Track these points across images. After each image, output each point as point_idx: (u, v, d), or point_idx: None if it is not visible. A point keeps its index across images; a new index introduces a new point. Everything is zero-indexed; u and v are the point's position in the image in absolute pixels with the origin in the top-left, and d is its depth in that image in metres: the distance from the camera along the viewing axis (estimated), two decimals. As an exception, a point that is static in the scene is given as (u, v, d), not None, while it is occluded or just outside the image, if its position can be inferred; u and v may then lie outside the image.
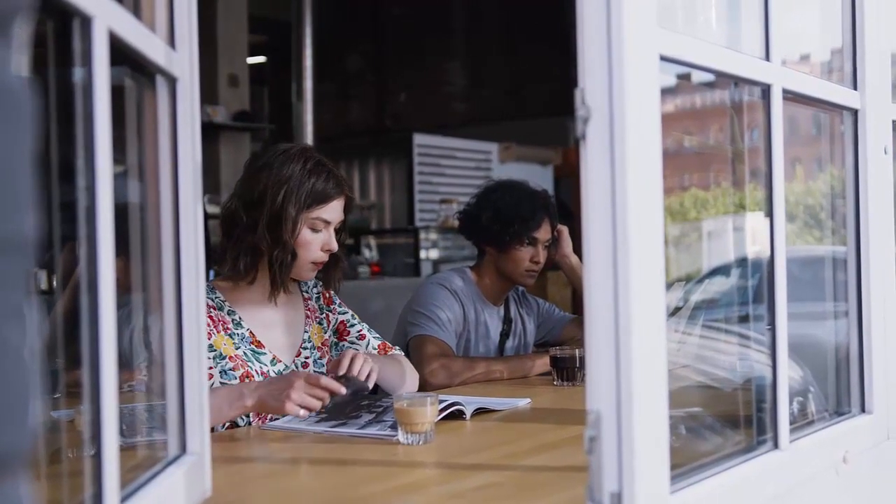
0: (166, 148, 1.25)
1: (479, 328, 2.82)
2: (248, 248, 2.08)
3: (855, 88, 1.70)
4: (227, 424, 1.96)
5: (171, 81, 1.25)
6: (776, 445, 1.41)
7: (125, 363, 1.23)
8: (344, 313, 2.31)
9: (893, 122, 1.79)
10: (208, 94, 6.74)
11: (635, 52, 1.07)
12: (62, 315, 1.06)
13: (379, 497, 1.46)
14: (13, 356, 0.52)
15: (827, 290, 1.84)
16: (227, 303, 2.12)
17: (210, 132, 6.75)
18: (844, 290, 1.74)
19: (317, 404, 1.80)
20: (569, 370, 2.50)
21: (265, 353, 2.12)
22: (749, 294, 1.71)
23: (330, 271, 2.22)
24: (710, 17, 1.64)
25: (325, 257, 2.14)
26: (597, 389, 1.07)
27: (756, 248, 1.65)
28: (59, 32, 0.91)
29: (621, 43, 1.06)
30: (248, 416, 2.02)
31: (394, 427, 1.78)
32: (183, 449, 1.27)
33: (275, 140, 7.28)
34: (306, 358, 2.20)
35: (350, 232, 2.34)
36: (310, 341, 2.23)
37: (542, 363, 2.64)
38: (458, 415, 2.00)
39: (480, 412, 2.06)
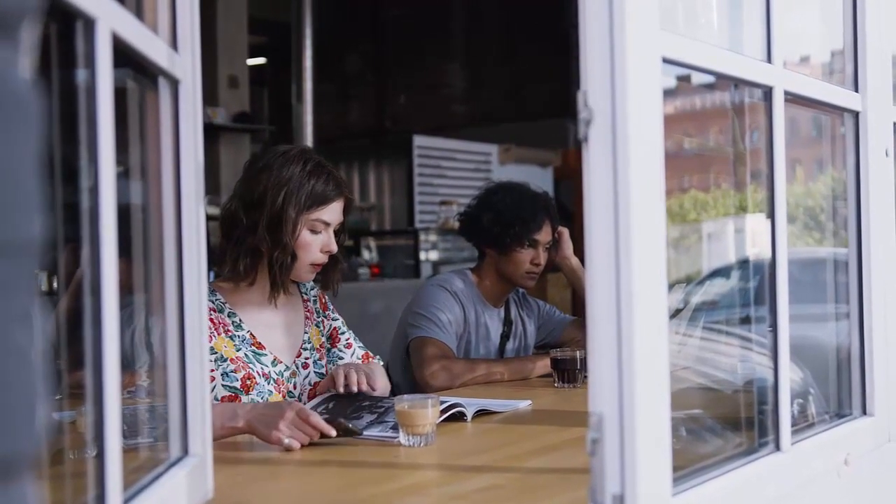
0: (168, 149, 1.25)
1: (479, 330, 2.82)
2: (247, 249, 2.08)
3: (856, 90, 1.70)
4: None
5: (174, 83, 1.25)
6: (778, 447, 1.41)
7: (126, 365, 1.23)
8: (336, 320, 2.32)
9: (894, 124, 1.79)
10: (208, 96, 6.72)
11: (638, 55, 1.07)
12: (63, 316, 1.06)
13: (380, 498, 1.46)
14: (21, 359, 0.52)
15: (828, 292, 1.84)
16: (227, 304, 2.12)
17: (210, 133, 6.74)
18: (845, 292, 1.74)
19: (303, 440, 1.74)
20: (569, 372, 2.50)
21: (266, 355, 2.12)
22: (750, 296, 1.71)
23: (329, 273, 2.22)
24: (712, 19, 1.64)
25: (324, 259, 2.14)
26: (599, 392, 1.07)
27: (756, 249, 1.65)
28: (63, 34, 0.91)
29: (624, 45, 1.06)
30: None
31: (395, 428, 1.78)
32: (185, 451, 1.27)
33: (275, 141, 7.28)
34: (306, 359, 2.20)
35: (350, 233, 2.34)
36: (309, 342, 2.23)
37: (543, 365, 2.64)
38: (459, 416, 2.00)
39: (481, 414, 2.06)
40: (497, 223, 2.77)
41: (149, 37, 1.13)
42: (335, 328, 2.31)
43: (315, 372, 2.21)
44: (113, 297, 0.94)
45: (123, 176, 1.11)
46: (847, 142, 1.72)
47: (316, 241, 2.11)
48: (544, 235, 2.79)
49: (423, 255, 6.97)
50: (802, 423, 1.57)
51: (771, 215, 1.42)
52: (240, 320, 2.12)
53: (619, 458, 1.06)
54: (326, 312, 2.31)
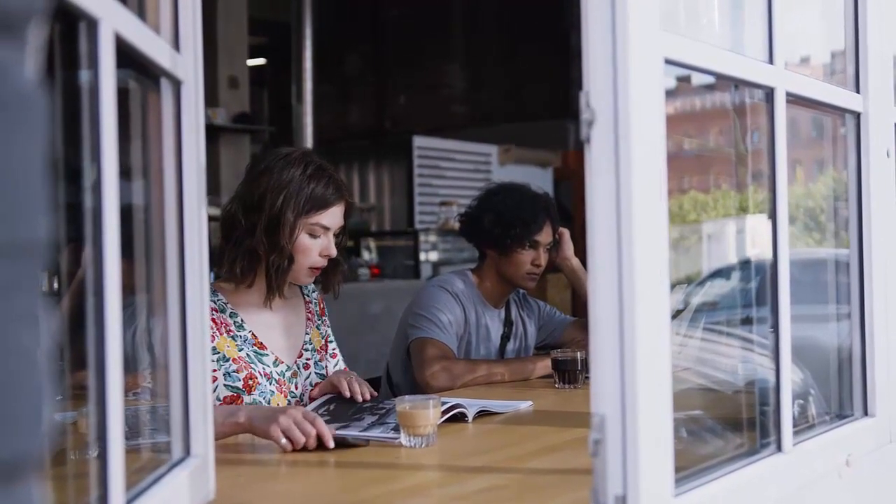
0: (170, 150, 1.25)
1: (479, 331, 2.82)
2: (245, 251, 2.07)
3: (857, 91, 1.70)
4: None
5: (176, 84, 1.25)
6: (779, 448, 1.41)
7: (127, 364, 1.23)
8: (328, 327, 2.33)
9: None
10: (208, 96, 6.71)
11: (640, 56, 1.08)
12: (65, 317, 1.06)
13: (382, 499, 1.46)
14: (27, 360, 0.52)
15: (829, 292, 1.85)
16: (228, 305, 2.12)
17: (210, 134, 6.73)
18: (846, 292, 1.74)
19: (301, 438, 1.71)
20: (570, 373, 2.50)
21: (267, 355, 2.12)
22: (750, 297, 1.71)
23: (330, 276, 2.21)
24: (713, 19, 1.64)
25: (323, 262, 2.13)
26: (601, 393, 1.07)
27: (756, 250, 1.65)
28: (66, 35, 0.91)
29: (626, 46, 1.06)
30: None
31: (396, 429, 1.78)
32: (187, 451, 1.27)
33: (274, 142, 7.28)
34: (307, 359, 2.20)
35: (350, 234, 2.33)
36: (310, 343, 2.23)
37: (544, 366, 2.64)
38: (460, 417, 2.00)
39: (483, 415, 2.06)
40: (498, 224, 2.77)
41: (151, 37, 1.13)
42: (327, 335, 2.32)
43: (316, 373, 2.21)
44: (116, 298, 0.94)
45: (125, 176, 1.11)
46: (848, 143, 1.72)
47: (315, 245, 2.10)
48: (545, 236, 2.79)
49: (423, 256, 6.97)
50: (804, 424, 1.57)
51: (772, 216, 1.42)
52: (241, 320, 2.12)
53: (621, 459, 1.06)
54: (324, 318, 2.32)
